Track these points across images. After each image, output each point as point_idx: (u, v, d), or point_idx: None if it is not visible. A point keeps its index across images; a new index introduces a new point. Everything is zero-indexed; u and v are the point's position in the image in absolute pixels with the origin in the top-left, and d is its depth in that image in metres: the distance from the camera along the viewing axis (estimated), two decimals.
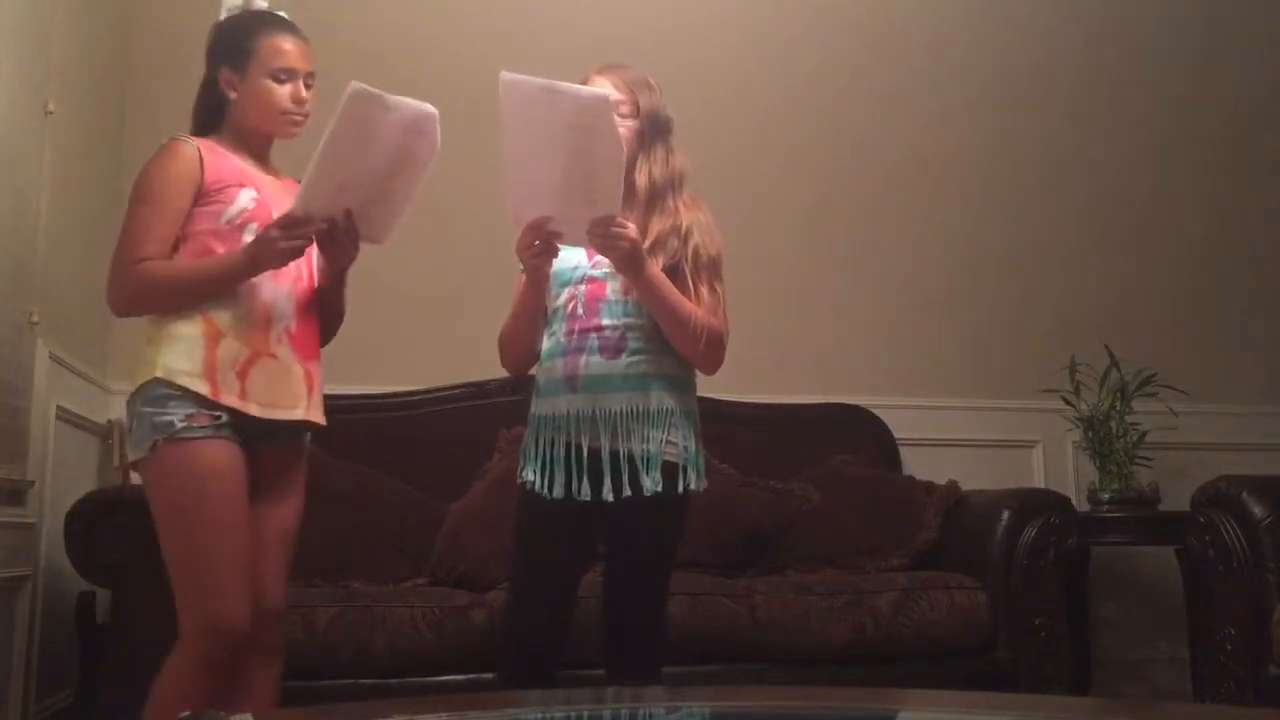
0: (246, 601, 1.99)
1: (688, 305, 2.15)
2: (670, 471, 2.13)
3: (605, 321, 2.16)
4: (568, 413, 2.14)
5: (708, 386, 3.71)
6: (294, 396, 2.10)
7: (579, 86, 2.00)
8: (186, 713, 1.40)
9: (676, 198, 2.22)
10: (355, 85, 1.97)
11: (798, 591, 2.96)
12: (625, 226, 2.05)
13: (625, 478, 2.10)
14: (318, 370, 2.17)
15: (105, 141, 3.40)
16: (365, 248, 2.17)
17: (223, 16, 2.20)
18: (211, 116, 2.20)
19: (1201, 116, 4.35)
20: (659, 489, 2.10)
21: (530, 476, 2.17)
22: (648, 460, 2.11)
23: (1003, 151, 4.19)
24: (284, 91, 2.13)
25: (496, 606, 2.74)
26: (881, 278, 4.04)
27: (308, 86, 2.15)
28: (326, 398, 3.30)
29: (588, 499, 2.11)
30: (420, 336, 3.61)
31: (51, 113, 2.82)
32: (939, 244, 4.09)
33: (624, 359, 2.15)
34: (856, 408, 3.82)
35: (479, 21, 3.83)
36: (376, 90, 1.99)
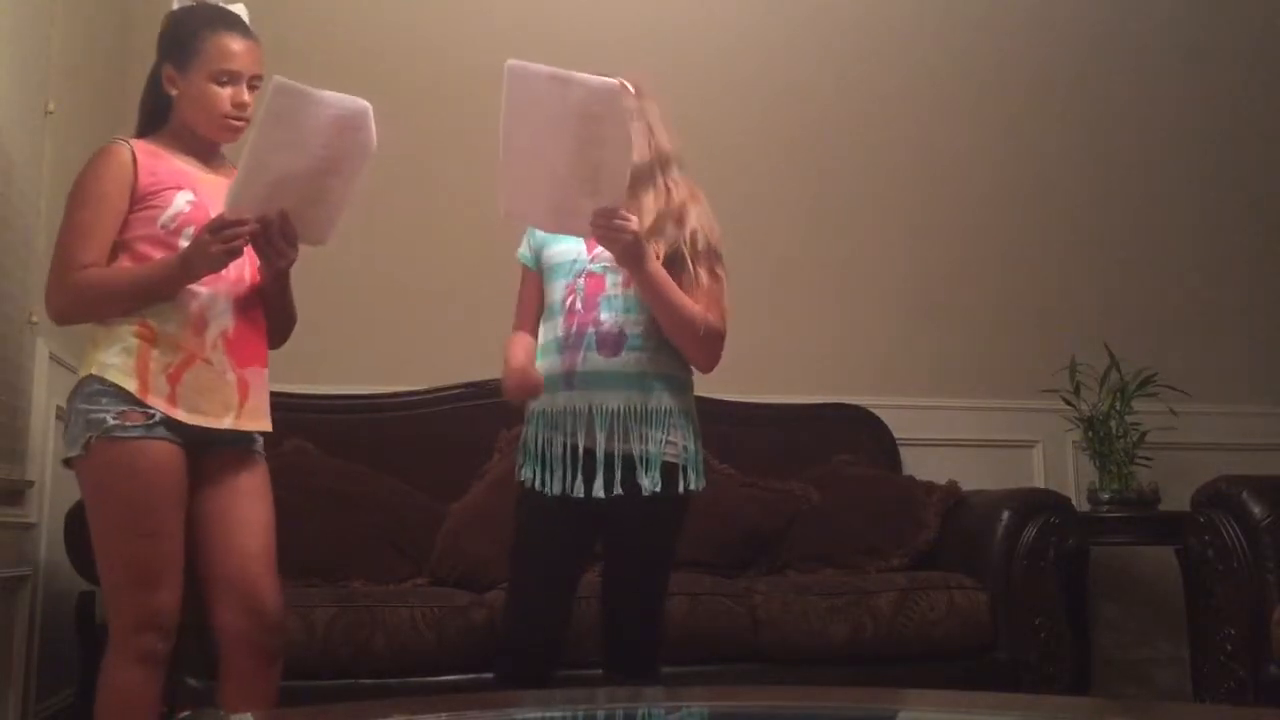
0: (179, 594, 1.98)
1: (688, 301, 2.13)
2: (670, 472, 2.12)
3: (604, 316, 2.13)
4: (565, 409, 2.12)
5: (708, 387, 3.71)
6: (223, 405, 2.05)
7: (590, 75, 1.96)
8: (186, 712, 1.40)
9: (664, 177, 2.19)
10: (278, 79, 1.93)
11: (798, 591, 2.96)
12: (628, 219, 2.03)
13: (622, 477, 2.08)
14: (257, 376, 2.11)
15: (105, 141, 3.39)
16: (305, 249, 2.10)
17: (175, 6, 2.14)
18: (157, 112, 2.16)
19: (1201, 116, 4.35)
20: (658, 489, 2.09)
21: (528, 474, 2.16)
22: (647, 461, 2.09)
23: (1003, 151, 4.19)
24: (224, 95, 2.06)
25: (496, 606, 2.73)
26: (881, 278, 4.04)
27: (252, 89, 2.09)
28: (327, 398, 3.34)
29: (583, 497, 2.09)
30: (421, 336, 3.61)
31: (51, 113, 2.82)
32: (939, 244, 4.09)
33: (622, 356, 2.12)
34: (856, 408, 3.82)
35: (477, 21, 3.82)
36: (302, 85, 1.93)
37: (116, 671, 1.97)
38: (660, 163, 2.19)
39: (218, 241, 1.95)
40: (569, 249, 2.19)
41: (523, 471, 2.18)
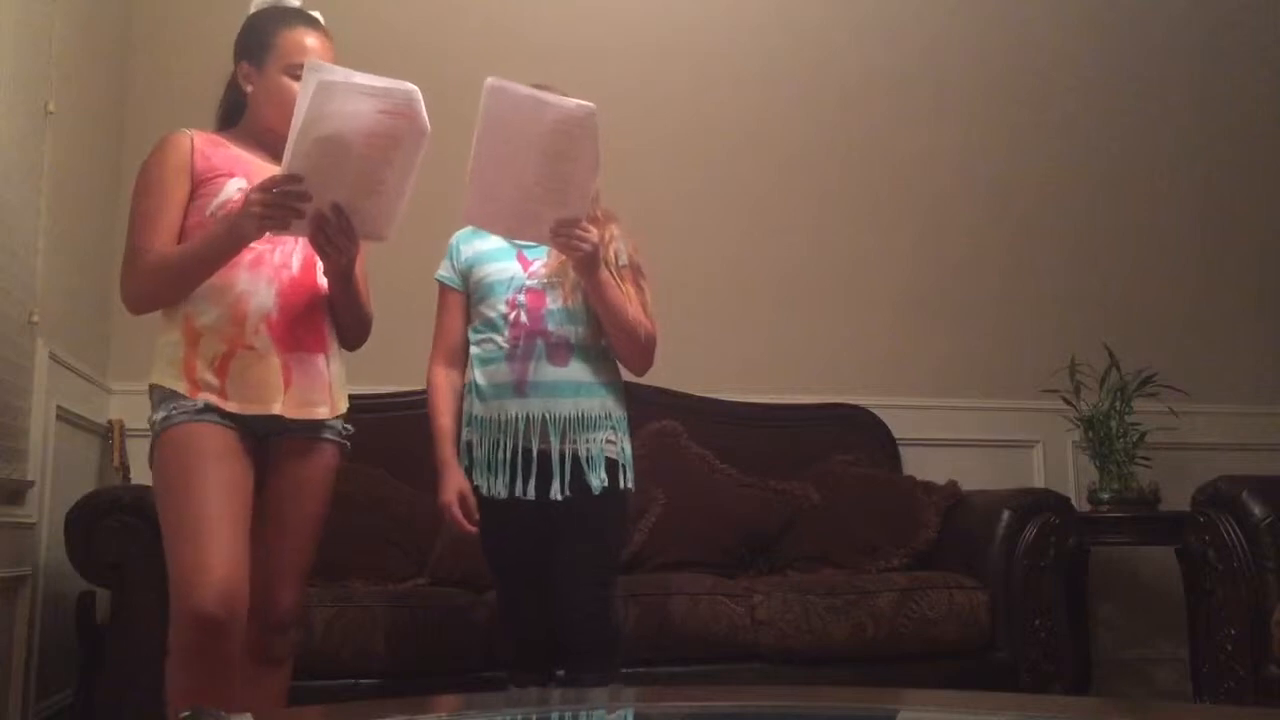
0: (224, 590, 1.87)
1: (631, 307, 2.28)
2: (612, 469, 2.25)
3: (550, 328, 2.26)
4: (517, 416, 2.23)
5: (709, 386, 3.72)
6: (271, 390, 2.02)
7: (566, 98, 2.06)
8: (186, 712, 1.39)
9: (596, 209, 2.31)
10: (311, 61, 1.91)
11: (798, 591, 2.95)
12: (589, 230, 2.16)
13: (571, 477, 2.21)
14: (305, 363, 2.07)
15: (105, 141, 3.40)
16: (366, 246, 2.08)
17: (253, 10, 2.17)
18: (233, 111, 2.17)
19: (1200, 117, 4.36)
20: (605, 485, 2.22)
21: (475, 480, 2.26)
22: (591, 460, 2.22)
23: (1004, 152, 4.19)
24: (298, 88, 2.00)
25: (496, 607, 2.74)
26: (882, 278, 4.04)
27: None
28: None
29: (533, 498, 2.20)
30: (421, 336, 3.60)
31: (51, 113, 2.82)
32: (939, 245, 4.09)
33: (570, 365, 2.26)
34: (856, 408, 3.82)
35: (474, 26, 3.82)
36: (340, 70, 1.87)
37: (169, 663, 1.92)
38: (595, 198, 2.29)
39: (262, 200, 1.88)
40: (504, 267, 2.32)
41: (473, 477, 2.27)
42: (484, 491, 2.24)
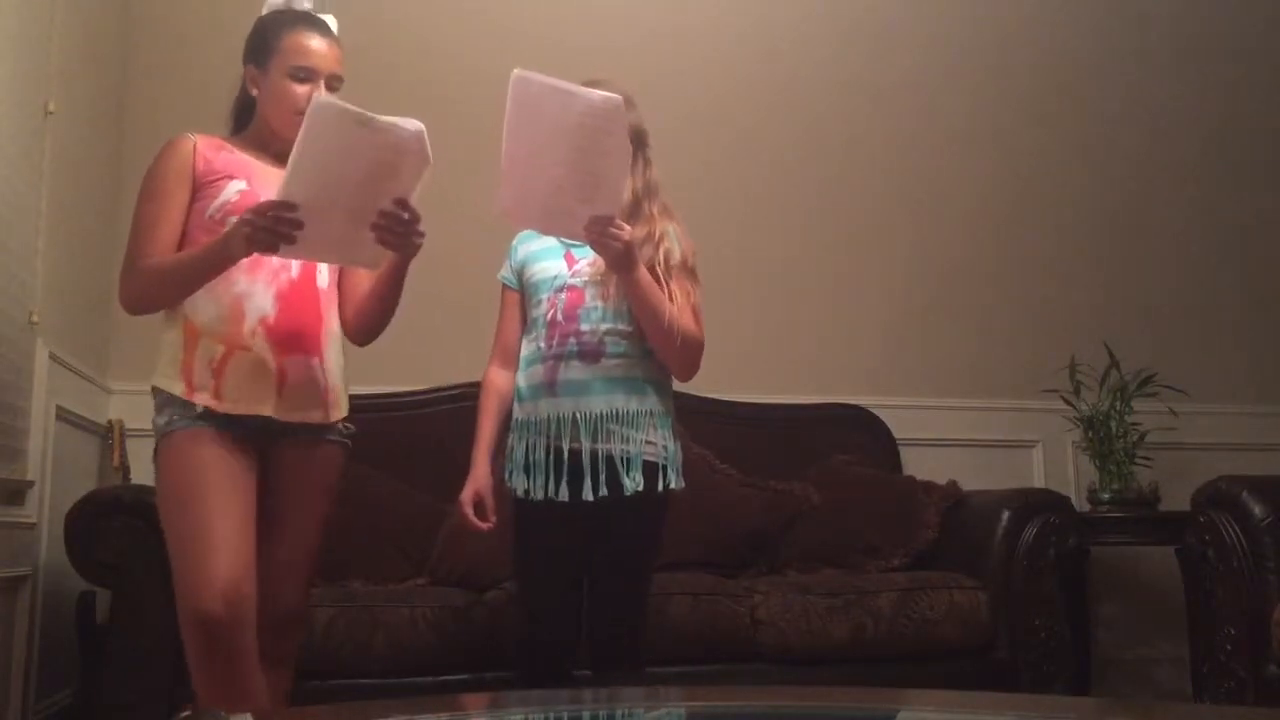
0: (227, 588, 1.90)
1: (669, 308, 2.19)
2: (650, 471, 2.19)
3: (584, 327, 2.21)
4: (549, 416, 2.19)
5: (709, 387, 3.72)
6: (265, 391, 2.04)
7: (592, 90, 2.02)
8: (186, 712, 1.40)
9: (651, 206, 2.27)
10: (320, 97, 1.92)
11: (798, 591, 2.96)
12: (622, 227, 2.09)
13: (605, 477, 2.15)
14: (300, 366, 2.08)
15: (105, 141, 3.40)
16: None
17: (264, 12, 2.17)
18: (243, 114, 2.18)
19: (1199, 117, 4.36)
20: (639, 488, 2.16)
21: (514, 482, 2.22)
22: (628, 461, 2.16)
23: (1003, 151, 4.19)
24: (300, 92, 2.05)
25: (497, 606, 2.74)
26: (882, 278, 4.04)
27: (331, 89, 2.09)
28: None
29: (568, 500, 2.15)
30: (421, 337, 3.60)
31: (51, 113, 2.82)
32: (939, 244, 4.09)
33: (603, 362, 2.20)
34: (856, 408, 3.82)
35: (484, 26, 3.83)
36: (346, 106, 1.88)
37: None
38: (650, 192, 2.27)
39: (255, 223, 1.88)
40: (550, 266, 2.27)
41: (511, 479, 2.24)
42: (519, 493, 2.21)
